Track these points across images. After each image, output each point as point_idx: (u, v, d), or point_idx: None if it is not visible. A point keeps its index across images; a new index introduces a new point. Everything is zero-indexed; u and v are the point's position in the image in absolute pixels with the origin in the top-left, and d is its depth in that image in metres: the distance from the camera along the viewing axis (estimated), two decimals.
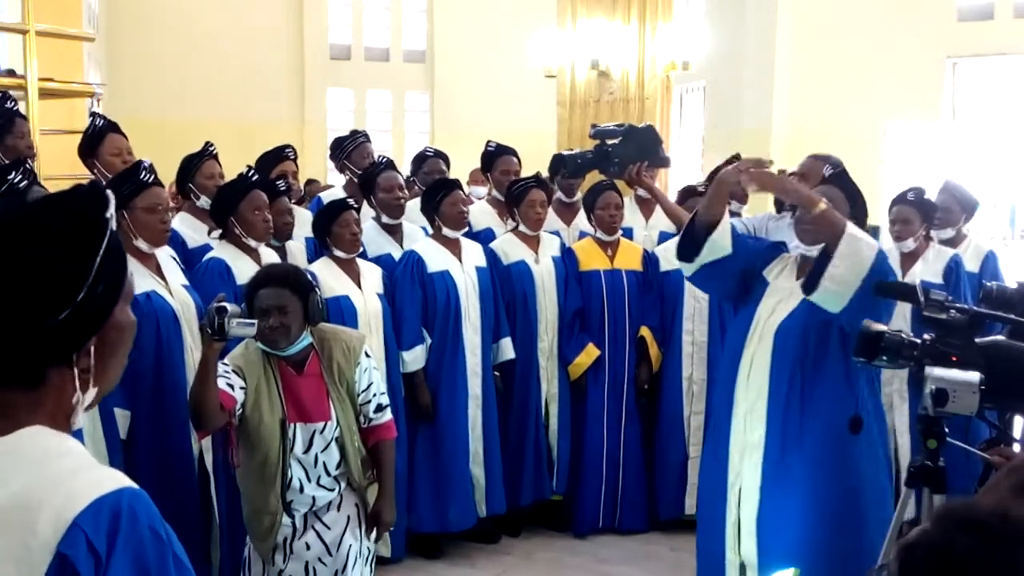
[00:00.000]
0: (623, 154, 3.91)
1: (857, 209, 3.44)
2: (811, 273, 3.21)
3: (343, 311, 4.18)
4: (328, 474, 3.19)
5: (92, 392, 1.26)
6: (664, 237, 5.11)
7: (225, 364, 3.08)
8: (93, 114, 4.66)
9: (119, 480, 1.21)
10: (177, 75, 11.32)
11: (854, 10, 8.16)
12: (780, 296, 3.38)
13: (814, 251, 3.34)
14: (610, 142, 3.96)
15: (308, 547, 3.17)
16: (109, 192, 1.25)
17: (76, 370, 1.22)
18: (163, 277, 3.60)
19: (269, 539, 3.14)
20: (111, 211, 1.24)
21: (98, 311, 1.22)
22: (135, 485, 1.22)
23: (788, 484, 3.28)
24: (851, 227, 3.16)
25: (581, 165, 3.95)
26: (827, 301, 3.16)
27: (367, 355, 3.32)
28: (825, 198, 3.27)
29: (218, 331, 2.85)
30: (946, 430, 2.80)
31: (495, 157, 5.39)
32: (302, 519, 3.19)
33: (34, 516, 1.15)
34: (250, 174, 4.14)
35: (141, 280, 3.48)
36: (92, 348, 1.23)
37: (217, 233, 4.06)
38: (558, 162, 4.03)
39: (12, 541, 1.15)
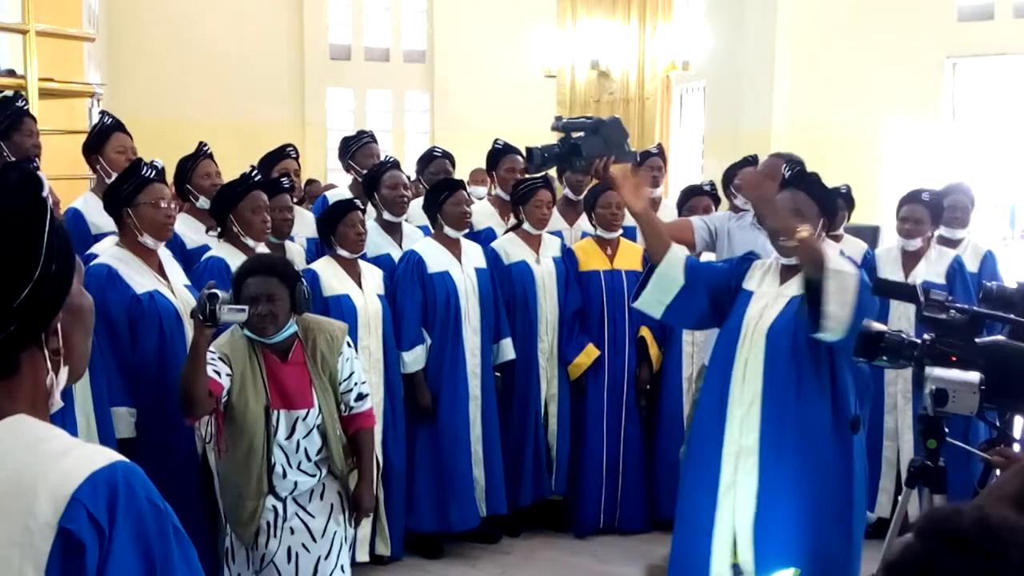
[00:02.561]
0: (590, 148, 3.87)
1: (825, 208, 3.40)
2: (809, 311, 3.18)
3: (343, 310, 4.19)
4: (309, 459, 3.26)
5: (64, 372, 1.28)
6: None
7: (212, 351, 3.12)
8: (102, 112, 4.69)
9: (110, 455, 1.22)
10: (177, 75, 11.31)
11: (854, 10, 8.15)
12: (767, 300, 3.37)
13: (794, 259, 3.32)
14: (575, 135, 3.94)
15: (292, 532, 3.23)
16: (40, 173, 1.27)
17: (47, 351, 1.24)
18: (165, 277, 3.62)
19: (251, 524, 3.19)
20: (46, 191, 1.25)
21: (57, 288, 1.24)
22: (126, 459, 1.23)
23: (783, 487, 3.26)
24: (831, 258, 3.16)
25: (547, 159, 3.92)
26: (831, 336, 3.17)
27: (349, 345, 3.40)
28: (801, 218, 3.26)
29: (209, 317, 2.92)
30: (946, 430, 2.80)
31: (501, 155, 5.41)
32: (284, 505, 3.24)
33: (30, 498, 1.16)
34: (253, 174, 4.14)
35: (144, 280, 3.51)
36: (59, 328, 1.26)
37: (216, 231, 4.07)
38: (528, 154, 4.03)
39: (11, 525, 1.16)
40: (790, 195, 3.36)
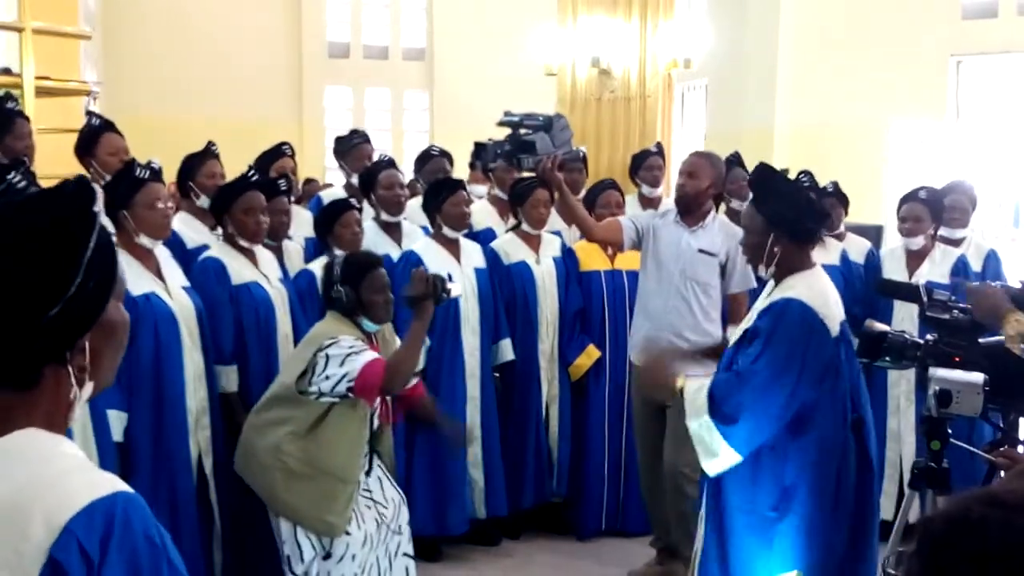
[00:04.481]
0: (542, 146, 3.86)
1: (775, 221, 3.03)
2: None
3: None
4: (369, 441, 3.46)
5: (89, 387, 1.26)
6: None
7: (355, 341, 3.29)
8: (89, 113, 4.64)
9: (114, 484, 1.20)
10: (174, 73, 11.26)
11: (857, 8, 8.10)
12: (736, 336, 3.22)
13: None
14: (523, 132, 3.91)
15: (368, 507, 3.41)
16: (96, 186, 1.23)
17: (72, 368, 1.22)
18: (162, 278, 3.58)
19: (347, 510, 3.29)
20: (99, 205, 1.23)
21: (90, 307, 1.21)
22: (130, 489, 1.21)
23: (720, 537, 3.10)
24: (687, 400, 3.08)
25: (499, 155, 3.90)
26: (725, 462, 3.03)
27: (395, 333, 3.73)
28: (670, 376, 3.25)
29: (445, 292, 3.32)
30: (950, 431, 2.77)
31: None
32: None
33: (26, 520, 1.14)
34: (250, 175, 4.11)
35: (141, 281, 3.49)
36: (87, 345, 1.23)
37: (219, 230, 4.05)
38: (479, 149, 4.01)
39: (3, 545, 1.14)
40: (749, 213, 3.12)
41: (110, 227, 3.71)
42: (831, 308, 2.99)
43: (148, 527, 1.19)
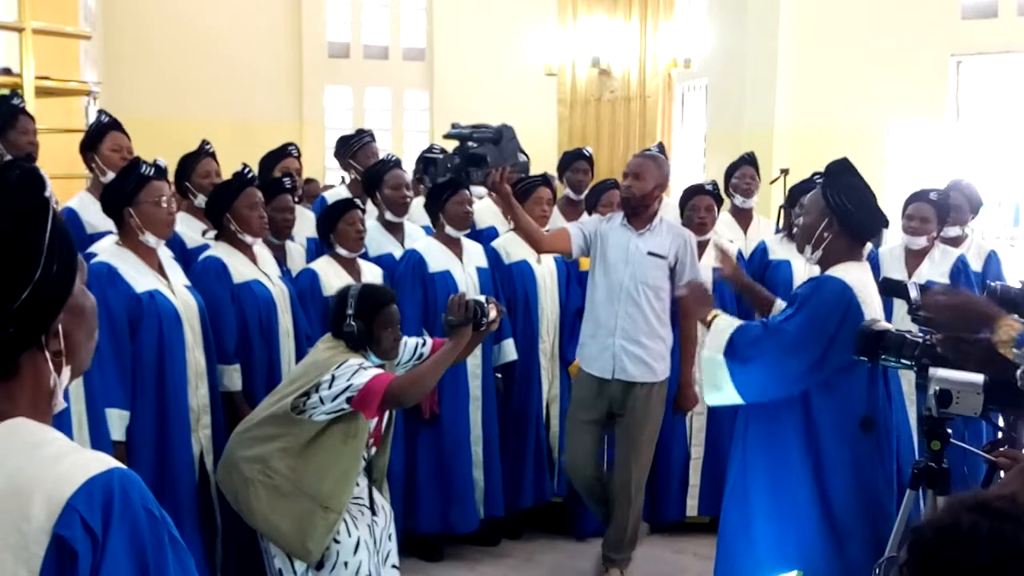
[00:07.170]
0: (493, 158, 3.85)
1: (835, 208, 3.15)
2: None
3: None
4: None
5: (67, 372, 1.27)
6: None
7: (364, 360, 3.30)
8: (100, 111, 4.68)
9: (107, 461, 1.22)
10: (174, 73, 11.26)
11: (857, 8, 8.11)
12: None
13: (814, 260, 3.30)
14: (471, 144, 3.89)
15: (361, 513, 3.41)
16: (42, 171, 1.25)
17: (48, 353, 1.24)
18: (165, 276, 3.57)
19: (326, 539, 3.24)
20: (49, 190, 1.24)
21: (57, 290, 1.23)
22: (123, 466, 1.23)
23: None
24: (712, 331, 3.22)
25: (450, 169, 3.89)
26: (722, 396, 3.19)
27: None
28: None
29: (484, 318, 3.39)
30: (950, 431, 2.76)
31: None
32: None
33: (26, 502, 1.16)
34: (245, 171, 4.11)
35: (144, 279, 3.48)
36: (60, 329, 1.25)
37: (212, 234, 4.02)
38: (428, 164, 4.00)
39: (6, 529, 1.16)
40: (816, 195, 3.26)
41: (106, 224, 3.71)
42: (871, 297, 3.12)
43: (146, 500, 1.21)
